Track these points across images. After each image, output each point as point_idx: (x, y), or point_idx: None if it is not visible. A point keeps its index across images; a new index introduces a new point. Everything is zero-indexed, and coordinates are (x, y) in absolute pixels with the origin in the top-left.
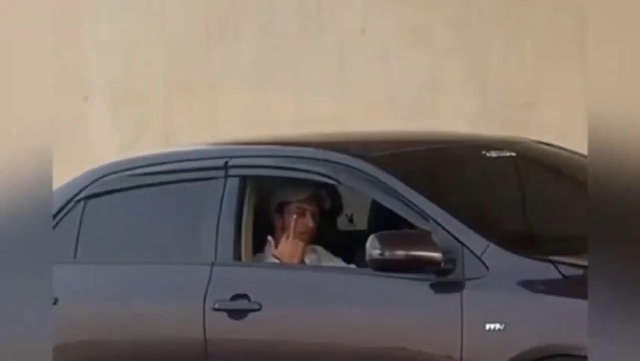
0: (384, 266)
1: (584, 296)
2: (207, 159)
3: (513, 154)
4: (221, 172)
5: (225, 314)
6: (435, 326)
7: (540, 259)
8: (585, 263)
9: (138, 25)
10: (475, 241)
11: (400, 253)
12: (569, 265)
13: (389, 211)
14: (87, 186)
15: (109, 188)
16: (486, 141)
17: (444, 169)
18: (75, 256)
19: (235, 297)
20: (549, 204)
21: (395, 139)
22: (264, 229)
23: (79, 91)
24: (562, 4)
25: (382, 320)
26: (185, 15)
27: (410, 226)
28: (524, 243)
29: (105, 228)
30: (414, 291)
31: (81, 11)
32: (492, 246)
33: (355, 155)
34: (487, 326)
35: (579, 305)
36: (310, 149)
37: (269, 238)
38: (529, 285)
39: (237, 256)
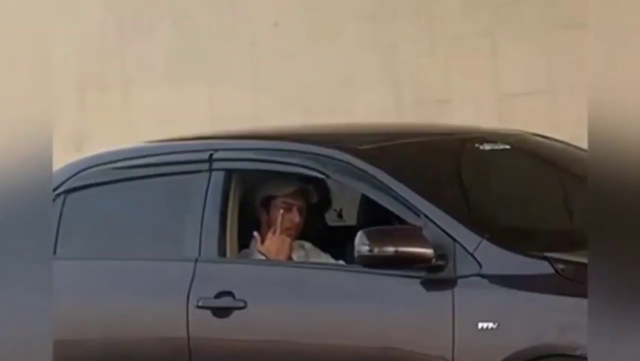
0: (373, 262)
1: (580, 294)
2: (191, 152)
3: (507, 146)
4: (205, 166)
5: (209, 312)
6: (426, 325)
7: (535, 256)
8: (581, 259)
9: (51, 19)
10: (467, 237)
11: (389, 249)
12: (565, 262)
13: (379, 206)
14: (67, 180)
15: (90, 182)
16: (479, 133)
17: (436, 163)
18: (54, 252)
19: (219, 294)
20: (544, 199)
21: (385, 131)
22: (250, 224)
23: None
24: None
25: (372, 319)
26: (99, 10)
27: (401, 221)
28: (518, 239)
29: (85, 223)
30: (405, 288)
31: None
32: (485, 242)
33: (342, 148)
34: (480, 325)
35: (575, 303)
36: (297, 143)
37: (255, 233)
38: (524, 283)
39: (222, 252)
